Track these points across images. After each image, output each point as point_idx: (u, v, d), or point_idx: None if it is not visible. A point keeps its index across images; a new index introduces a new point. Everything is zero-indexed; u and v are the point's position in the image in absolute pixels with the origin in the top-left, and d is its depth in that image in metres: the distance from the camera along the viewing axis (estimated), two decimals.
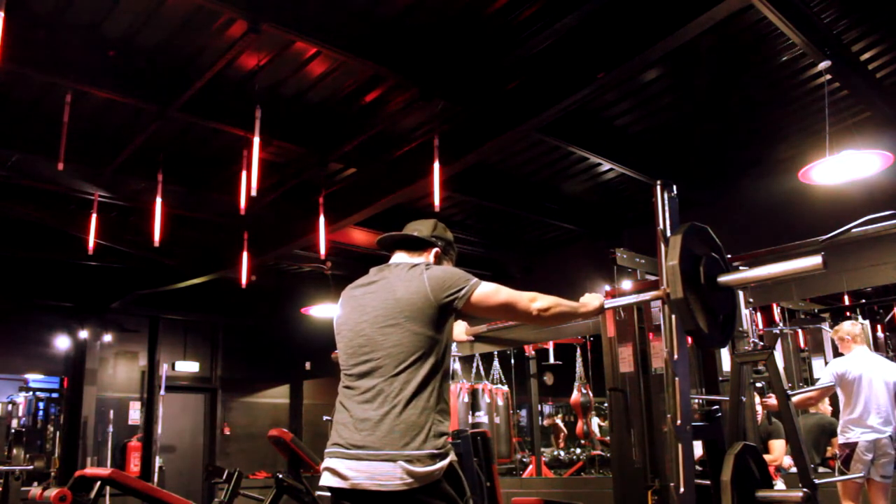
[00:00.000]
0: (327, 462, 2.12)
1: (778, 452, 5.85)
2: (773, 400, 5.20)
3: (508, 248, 8.93)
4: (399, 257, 2.37)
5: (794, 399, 5.13)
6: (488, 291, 2.18)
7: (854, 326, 5.09)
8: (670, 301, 2.40)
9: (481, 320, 5.64)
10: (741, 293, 3.94)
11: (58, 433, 10.47)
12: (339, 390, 2.24)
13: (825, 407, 6.40)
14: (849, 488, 4.75)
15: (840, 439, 4.90)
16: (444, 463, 2.04)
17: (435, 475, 2.00)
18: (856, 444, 4.75)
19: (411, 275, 2.18)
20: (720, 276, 2.53)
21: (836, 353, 5.49)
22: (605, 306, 2.50)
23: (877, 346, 7.94)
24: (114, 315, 10.56)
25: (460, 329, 2.50)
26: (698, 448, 3.33)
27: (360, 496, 2.03)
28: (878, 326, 8.27)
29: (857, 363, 4.90)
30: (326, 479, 2.11)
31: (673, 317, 2.55)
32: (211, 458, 11.34)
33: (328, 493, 2.14)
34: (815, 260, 2.34)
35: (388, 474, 1.97)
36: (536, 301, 2.24)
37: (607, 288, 5.52)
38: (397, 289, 2.15)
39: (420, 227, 2.39)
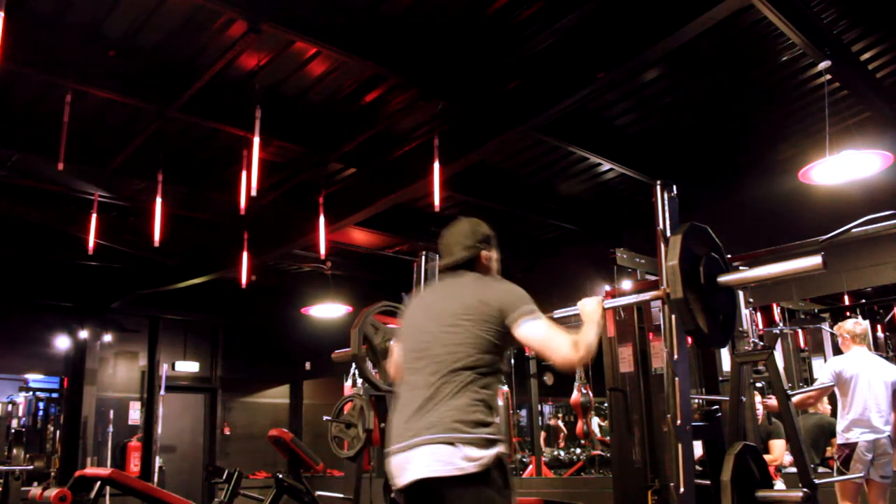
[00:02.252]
0: (390, 460, 2.26)
1: (778, 452, 5.85)
2: (773, 400, 5.20)
3: (508, 248, 8.92)
4: (462, 273, 2.46)
5: (794, 399, 5.14)
6: (533, 332, 2.26)
7: (855, 326, 5.08)
8: (670, 301, 2.40)
9: None
10: (741, 293, 3.94)
11: (58, 433, 10.47)
12: (398, 388, 2.38)
13: (825, 407, 6.40)
14: (848, 489, 4.74)
15: (839, 440, 4.90)
16: (496, 451, 2.15)
17: (487, 462, 2.12)
18: (855, 444, 4.75)
19: (479, 284, 2.35)
20: (720, 276, 2.53)
21: (837, 353, 5.49)
22: (605, 306, 2.50)
23: (877, 346, 7.95)
24: (114, 315, 10.56)
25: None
26: (698, 448, 3.33)
27: (419, 487, 2.15)
28: (878, 326, 8.27)
29: (854, 363, 4.90)
30: (395, 478, 2.25)
31: (673, 317, 2.55)
32: (211, 458, 11.34)
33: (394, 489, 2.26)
34: (814, 260, 2.34)
35: (444, 460, 2.10)
36: (574, 353, 2.26)
37: (607, 288, 5.52)
38: (465, 295, 2.32)
39: (462, 241, 2.46)
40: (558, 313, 2.66)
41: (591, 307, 2.49)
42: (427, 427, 2.15)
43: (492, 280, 2.39)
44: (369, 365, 3.58)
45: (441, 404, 2.17)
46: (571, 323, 2.49)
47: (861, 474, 4.63)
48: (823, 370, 5.21)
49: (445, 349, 2.24)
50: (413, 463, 2.16)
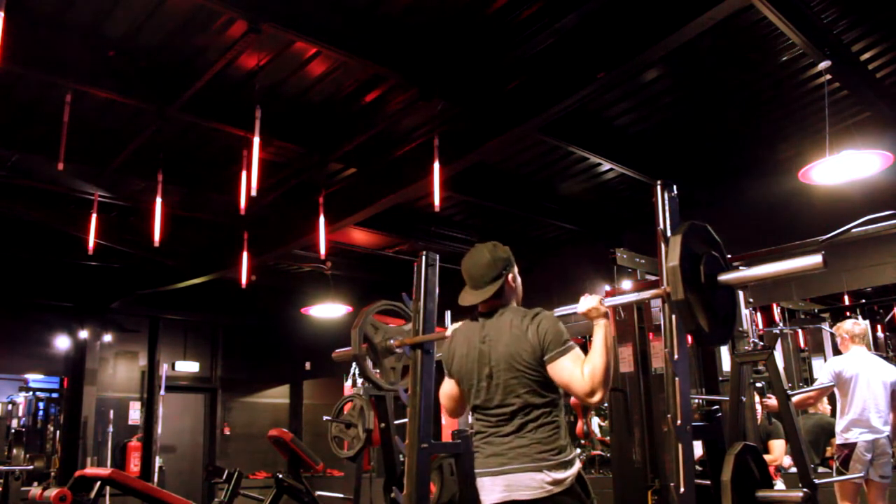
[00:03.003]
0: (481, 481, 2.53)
1: (778, 452, 5.85)
2: (772, 400, 5.20)
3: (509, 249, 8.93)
4: (498, 308, 2.60)
5: (794, 399, 5.14)
6: (558, 372, 2.41)
7: (855, 326, 5.08)
8: (671, 301, 2.40)
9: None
10: (741, 293, 3.95)
11: (58, 433, 10.47)
12: (476, 426, 2.62)
13: (824, 407, 6.40)
14: (847, 489, 4.74)
15: (838, 440, 4.90)
16: (575, 470, 2.44)
17: (569, 481, 2.40)
18: (854, 444, 4.75)
19: (521, 330, 2.47)
20: (721, 275, 2.52)
21: (837, 353, 5.49)
22: (606, 303, 2.50)
23: (877, 346, 7.95)
24: (114, 315, 10.57)
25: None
26: (698, 448, 3.33)
27: None
28: (878, 326, 8.27)
29: (854, 363, 4.90)
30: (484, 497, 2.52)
31: (673, 317, 2.55)
32: (211, 458, 11.35)
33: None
34: (815, 259, 2.33)
35: (531, 484, 2.38)
36: (588, 393, 2.36)
37: (607, 288, 5.53)
38: (511, 343, 2.48)
39: (487, 273, 2.58)
40: (558, 311, 2.66)
41: (588, 301, 2.50)
42: (517, 457, 2.41)
43: (528, 317, 2.49)
44: (370, 364, 3.58)
45: (525, 438, 2.41)
46: (570, 322, 2.49)
47: (861, 474, 4.63)
48: (823, 370, 5.21)
49: (511, 393, 2.45)
50: (503, 486, 2.41)
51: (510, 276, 2.63)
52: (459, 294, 2.64)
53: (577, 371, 2.37)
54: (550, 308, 2.62)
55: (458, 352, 2.64)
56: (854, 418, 4.78)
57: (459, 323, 2.73)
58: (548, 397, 2.44)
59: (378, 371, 3.58)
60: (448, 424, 5.75)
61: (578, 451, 2.42)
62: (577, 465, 2.44)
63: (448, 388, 2.71)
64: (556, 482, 2.37)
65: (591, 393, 2.33)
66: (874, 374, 4.83)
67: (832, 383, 4.88)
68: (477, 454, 2.56)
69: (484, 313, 2.61)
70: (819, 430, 6.10)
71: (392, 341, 3.55)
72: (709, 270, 2.50)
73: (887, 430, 4.75)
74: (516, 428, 2.43)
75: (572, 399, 9.54)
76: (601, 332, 2.44)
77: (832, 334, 5.03)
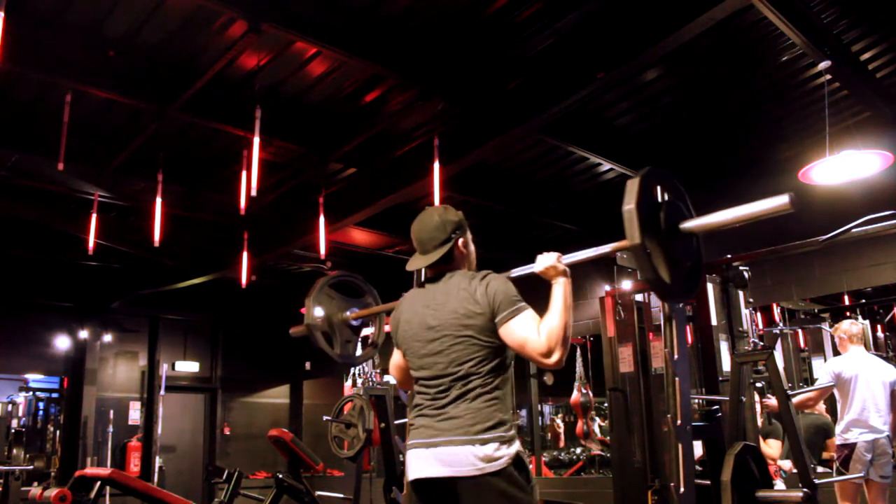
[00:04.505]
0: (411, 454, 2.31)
1: (775, 453, 5.86)
2: (772, 401, 5.20)
3: (509, 248, 8.93)
4: (445, 273, 2.43)
5: (794, 400, 5.13)
6: (511, 334, 2.23)
7: (852, 326, 5.08)
8: (629, 249, 2.26)
9: None
10: (741, 293, 3.94)
11: (58, 433, 10.47)
12: (414, 396, 2.42)
13: (820, 407, 6.40)
14: (847, 489, 4.74)
15: (838, 440, 4.89)
16: (513, 450, 2.19)
17: (504, 460, 2.16)
18: (854, 444, 4.75)
19: (469, 293, 2.30)
20: (682, 223, 2.41)
21: (836, 353, 5.49)
22: (564, 261, 2.37)
23: (877, 346, 7.95)
24: (114, 315, 10.56)
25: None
26: (698, 448, 3.33)
27: (437, 484, 2.20)
28: (878, 326, 8.27)
29: (853, 363, 4.90)
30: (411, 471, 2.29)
31: (673, 317, 2.54)
32: (211, 458, 11.34)
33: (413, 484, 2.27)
34: (782, 200, 2.22)
35: (462, 459, 2.15)
36: (551, 351, 2.18)
37: (607, 288, 5.53)
38: (458, 308, 2.30)
39: (436, 236, 2.41)
40: (514, 272, 2.54)
41: (547, 263, 2.36)
42: (449, 429, 2.21)
43: (477, 279, 2.33)
44: (321, 337, 3.54)
45: (460, 408, 2.22)
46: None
47: (861, 474, 4.63)
48: (822, 371, 5.21)
49: (453, 361, 2.28)
50: (433, 460, 2.21)
51: (461, 240, 2.44)
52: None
53: (533, 330, 2.19)
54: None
55: (403, 318, 2.46)
56: (854, 418, 4.78)
57: (410, 291, 2.54)
58: (493, 366, 2.25)
59: (335, 345, 3.54)
60: None
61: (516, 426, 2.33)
62: (517, 446, 2.20)
63: (396, 359, 2.53)
64: (488, 459, 2.13)
65: (549, 353, 2.16)
66: (873, 374, 4.83)
67: (832, 384, 4.88)
68: (410, 428, 2.36)
69: (431, 278, 2.44)
70: (814, 429, 6.09)
71: (348, 313, 3.52)
72: (670, 217, 2.38)
73: (887, 429, 4.75)
74: (452, 399, 2.24)
75: (572, 399, 9.53)
76: (560, 290, 2.29)
77: (853, 335, 5.01)
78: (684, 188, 2.59)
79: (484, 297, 2.26)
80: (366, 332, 3.81)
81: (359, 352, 3.78)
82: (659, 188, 2.44)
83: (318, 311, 3.49)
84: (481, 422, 2.18)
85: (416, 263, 2.45)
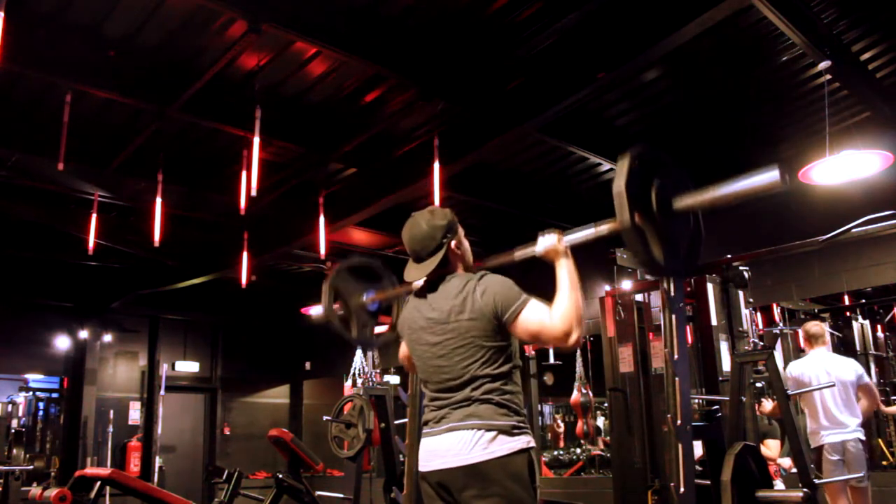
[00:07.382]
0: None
1: (773, 452, 5.85)
2: (767, 404, 5.17)
3: (509, 249, 8.94)
4: (444, 278, 2.43)
5: (768, 408, 5.10)
6: (524, 326, 2.24)
7: (813, 327, 5.07)
8: (621, 230, 2.23)
9: None
10: (741, 293, 3.95)
11: (58, 433, 10.47)
12: (425, 402, 2.44)
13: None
14: (834, 492, 4.69)
15: (811, 443, 4.86)
16: (523, 442, 2.20)
17: (515, 446, 2.17)
18: (821, 446, 4.72)
19: (469, 295, 2.30)
20: (676, 201, 2.37)
21: (837, 353, 5.48)
22: (565, 241, 2.36)
23: (877, 346, 7.95)
24: (114, 315, 10.56)
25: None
26: (698, 448, 3.33)
27: (447, 475, 2.22)
28: (879, 326, 8.27)
29: (812, 365, 4.87)
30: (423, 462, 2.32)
31: (673, 317, 2.53)
32: (211, 458, 11.34)
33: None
34: (772, 174, 2.18)
35: (470, 449, 2.17)
36: (569, 332, 2.19)
37: (607, 288, 5.53)
38: (459, 313, 2.30)
39: (427, 244, 2.40)
40: (518, 253, 2.53)
41: (548, 244, 2.35)
42: (461, 417, 2.23)
43: (474, 281, 2.33)
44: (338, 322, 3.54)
45: (470, 409, 2.23)
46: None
47: (855, 475, 4.58)
48: (784, 375, 5.19)
49: (459, 365, 2.29)
50: (442, 451, 2.23)
51: (453, 242, 2.42)
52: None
53: (546, 317, 2.20)
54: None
55: (407, 325, 2.49)
56: (819, 420, 4.75)
57: (421, 281, 2.51)
58: (499, 366, 2.26)
59: (353, 330, 3.54)
60: None
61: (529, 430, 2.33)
62: (528, 439, 2.21)
63: (405, 350, 2.58)
64: (498, 442, 2.16)
65: (567, 334, 2.17)
66: (835, 374, 4.77)
67: (793, 389, 4.80)
68: (423, 426, 2.39)
69: (429, 284, 2.45)
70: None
71: (365, 297, 3.52)
72: (662, 196, 2.34)
73: (855, 427, 4.71)
74: (462, 400, 2.26)
75: (572, 399, 9.53)
76: (565, 271, 2.29)
77: (832, 334, 4.99)
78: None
79: (484, 299, 2.27)
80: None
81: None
82: (651, 167, 2.40)
83: (335, 295, 3.47)
84: (493, 410, 2.20)
85: (413, 274, 2.46)
